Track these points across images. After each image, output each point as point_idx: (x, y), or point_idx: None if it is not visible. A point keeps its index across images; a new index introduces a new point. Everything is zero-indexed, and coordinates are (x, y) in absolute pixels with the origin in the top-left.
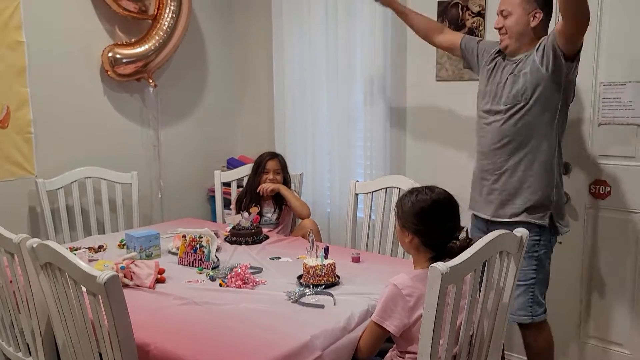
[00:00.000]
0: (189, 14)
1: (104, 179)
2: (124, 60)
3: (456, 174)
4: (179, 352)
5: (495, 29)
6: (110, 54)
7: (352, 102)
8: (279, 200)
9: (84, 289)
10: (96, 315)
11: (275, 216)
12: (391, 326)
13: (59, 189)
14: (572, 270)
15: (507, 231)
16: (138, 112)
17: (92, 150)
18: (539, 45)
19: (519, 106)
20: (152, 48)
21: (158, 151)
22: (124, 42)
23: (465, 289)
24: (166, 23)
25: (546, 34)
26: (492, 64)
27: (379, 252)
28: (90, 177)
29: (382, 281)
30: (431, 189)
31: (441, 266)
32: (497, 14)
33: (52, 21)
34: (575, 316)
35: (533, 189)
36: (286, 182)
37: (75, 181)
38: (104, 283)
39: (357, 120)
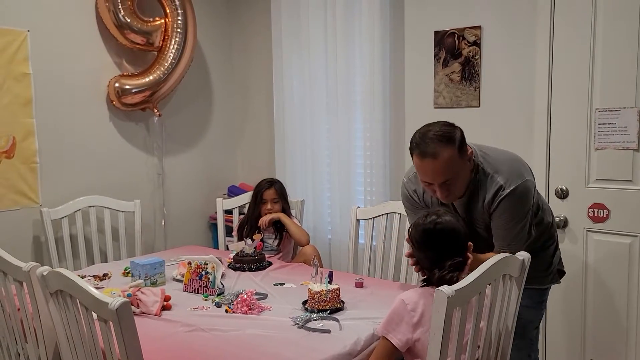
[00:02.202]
0: (194, 45)
1: (108, 208)
2: (134, 90)
3: None
4: None
5: (444, 202)
6: (117, 85)
7: (352, 129)
8: (279, 227)
9: (94, 315)
10: (107, 342)
11: (276, 243)
12: (395, 339)
13: (63, 217)
14: (572, 294)
15: (510, 254)
16: (142, 141)
17: (96, 179)
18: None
19: None
20: (160, 77)
21: (162, 179)
22: (130, 73)
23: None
24: (171, 54)
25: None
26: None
27: (381, 277)
28: (93, 206)
29: (387, 306)
30: (441, 214)
31: (447, 290)
32: (436, 186)
33: (59, 54)
34: (577, 340)
35: None
36: (285, 209)
37: (79, 210)
38: (116, 309)
39: (356, 147)
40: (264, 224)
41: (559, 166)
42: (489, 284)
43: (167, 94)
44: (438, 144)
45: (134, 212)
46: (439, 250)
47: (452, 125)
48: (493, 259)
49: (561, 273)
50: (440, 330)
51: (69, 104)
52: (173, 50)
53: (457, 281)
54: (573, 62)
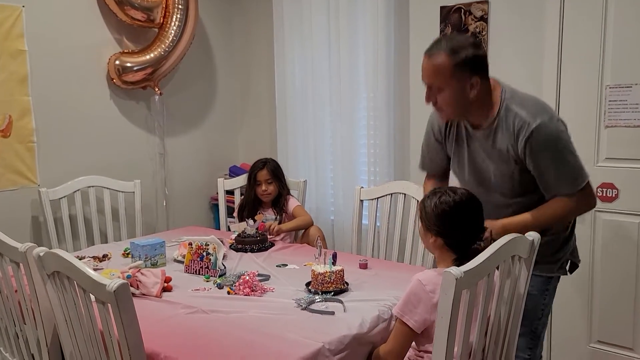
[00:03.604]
0: (195, 23)
1: (107, 188)
2: (135, 68)
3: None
4: None
5: (427, 103)
6: (117, 62)
7: (355, 107)
8: (278, 205)
9: (92, 297)
10: (105, 324)
11: (277, 223)
12: (411, 321)
13: (61, 198)
14: (579, 274)
15: (520, 235)
16: (143, 120)
17: (96, 158)
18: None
19: None
20: (161, 55)
21: (164, 159)
22: (130, 50)
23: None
24: (172, 31)
25: (491, 90)
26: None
27: (385, 259)
28: (93, 186)
29: (391, 287)
30: (453, 190)
31: (455, 271)
32: (425, 85)
33: (56, 30)
34: (583, 320)
35: None
36: (281, 187)
37: (78, 190)
38: (114, 291)
39: (359, 126)
40: (274, 234)
41: None
42: (497, 266)
43: (169, 72)
44: (440, 47)
45: (134, 192)
46: (474, 221)
47: (472, 44)
48: (505, 238)
49: (574, 265)
50: (448, 313)
51: (67, 82)
52: (174, 27)
53: None
54: (583, 37)
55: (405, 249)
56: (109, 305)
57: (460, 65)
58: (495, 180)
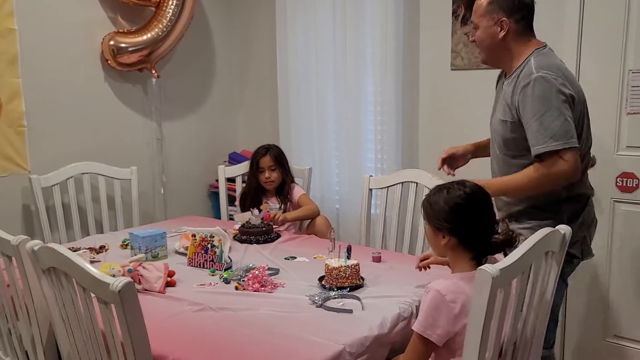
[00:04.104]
0: (194, 2)
1: (102, 175)
2: (130, 49)
3: (473, 170)
4: None
5: (470, 41)
6: (111, 42)
7: (362, 92)
8: (282, 194)
9: (93, 296)
10: (108, 325)
11: (281, 212)
12: (433, 335)
13: (54, 185)
14: (597, 265)
15: (552, 229)
16: (139, 104)
17: (89, 144)
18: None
19: None
20: (158, 35)
21: (161, 145)
22: (126, 30)
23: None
24: (170, 11)
25: (526, 43)
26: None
27: (395, 250)
28: (87, 173)
29: (409, 282)
30: (461, 183)
31: (491, 269)
32: None
33: (47, 7)
34: (599, 314)
35: None
36: (285, 174)
37: (72, 177)
38: (119, 291)
39: (367, 112)
40: (279, 223)
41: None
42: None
43: (166, 54)
44: None
45: (130, 179)
46: (490, 212)
47: None
48: (539, 233)
49: (572, 257)
50: (482, 314)
51: (59, 63)
52: (172, 7)
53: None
54: (605, 18)
55: (417, 240)
56: (113, 305)
57: (494, 3)
58: (497, 136)
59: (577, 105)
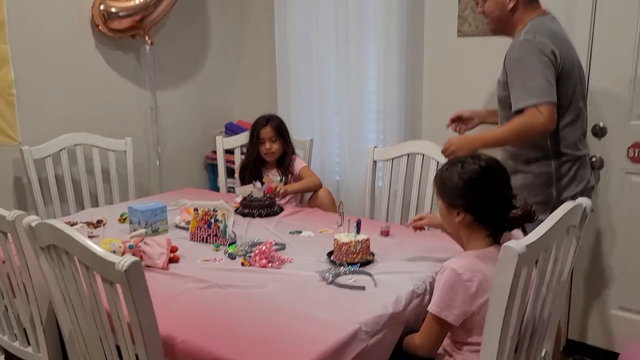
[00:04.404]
0: None
1: (96, 146)
2: (121, 14)
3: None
4: (212, 349)
5: (479, 12)
6: (102, 7)
7: (364, 60)
8: (283, 166)
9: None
10: (113, 305)
11: (282, 184)
12: (450, 316)
13: (46, 157)
14: (606, 237)
15: (574, 202)
16: (133, 72)
17: (82, 114)
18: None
19: None
20: (150, 0)
21: (156, 115)
22: None
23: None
24: None
25: (531, 12)
26: None
27: (400, 224)
28: (80, 144)
29: (421, 257)
30: (475, 157)
31: (517, 246)
32: None
33: None
34: (606, 286)
35: None
36: (286, 146)
37: (64, 148)
38: (125, 271)
39: (368, 80)
40: (279, 195)
41: (599, 101)
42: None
43: (159, 20)
44: None
45: (125, 151)
46: (507, 186)
47: None
48: (562, 208)
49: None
50: (506, 293)
51: (48, 28)
52: None
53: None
54: None
55: (423, 212)
56: (119, 286)
57: None
58: (497, 98)
59: (567, 69)
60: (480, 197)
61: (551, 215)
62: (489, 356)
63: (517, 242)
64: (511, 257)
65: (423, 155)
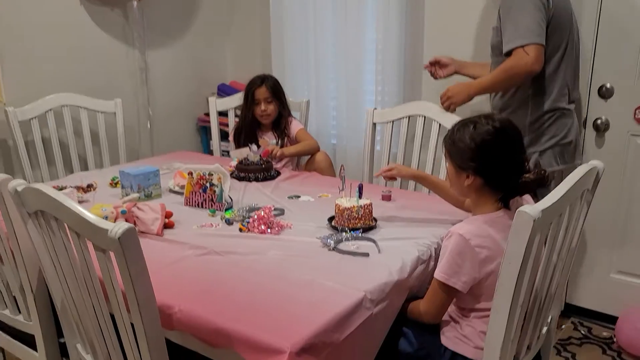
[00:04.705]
0: None
1: (84, 108)
2: None
3: (482, 104)
4: (212, 318)
5: None
6: None
7: (362, 17)
8: (279, 128)
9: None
10: (107, 274)
11: (278, 147)
12: (459, 283)
13: (32, 118)
14: (608, 200)
15: (589, 165)
16: (120, 30)
17: (68, 74)
18: None
19: None
20: None
21: (145, 75)
22: None
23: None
24: None
25: None
26: None
27: (400, 188)
28: (67, 105)
29: (424, 222)
30: (489, 117)
31: (532, 210)
32: None
33: None
34: (607, 249)
35: None
36: (282, 107)
37: (51, 110)
38: (119, 238)
39: (366, 39)
40: (275, 157)
41: (606, 60)
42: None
43: None
44: None
45: (114, 112)
46: (521, 149)
47: None
48: (578, 171)
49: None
50: (519, 259)
51: None
52: None
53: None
54: None
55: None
56: (112, 254)
57: None
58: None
59: (558, 20)
60: (492, 160)
61: (567, 178)
62: (499, 324)
63: (532, 206)
64: (526, 223)
65: (425, 117)
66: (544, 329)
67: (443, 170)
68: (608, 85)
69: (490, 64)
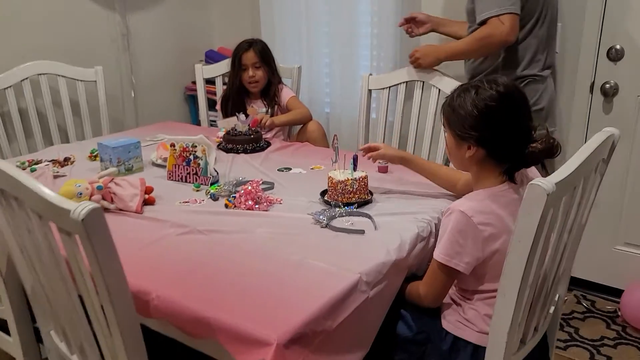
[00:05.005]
0: None
1: (62, 76)
2: None
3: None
4: (192, 306)
5: None
6: None
7: None
8: (269, 96)
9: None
10: (74, 259)
11: (268, 116)
12: (461, 264)
13: (7, 88)
14: (616, 169)
15: (607, 132)
16: None
17: (44, 40)
18: None
19: None
20: None
21: (127, 41)
22: None
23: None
24: None
25: None
26: None
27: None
28: (44, 74)
29: (423, 195)
30: (492, 80)
31: (545, 184)
32: None
33: None
34: (611, 221)
35: None
36: (271, 73)
37: (27, 79)
38: (82, 220)
39: (361, 0)
40: (264, 126)
41: (616, 20)
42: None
43: None
44: None
45: (95, 81)
46: (527, 116)
47: None
48: (595, 139)
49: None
50: (530, 237)
51: None
52: None
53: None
54: None
55: (422, 147)
56: (77, 236)
57: None
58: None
59: None
60: (496, 129)
61: (582, 148)
62: (506, 307)
63: (545, 180)
64: (539, 198)
65: (423, 83)
66: (551, 309)
67: (443, 141)
68: (618, 47)
69: (468, 28)
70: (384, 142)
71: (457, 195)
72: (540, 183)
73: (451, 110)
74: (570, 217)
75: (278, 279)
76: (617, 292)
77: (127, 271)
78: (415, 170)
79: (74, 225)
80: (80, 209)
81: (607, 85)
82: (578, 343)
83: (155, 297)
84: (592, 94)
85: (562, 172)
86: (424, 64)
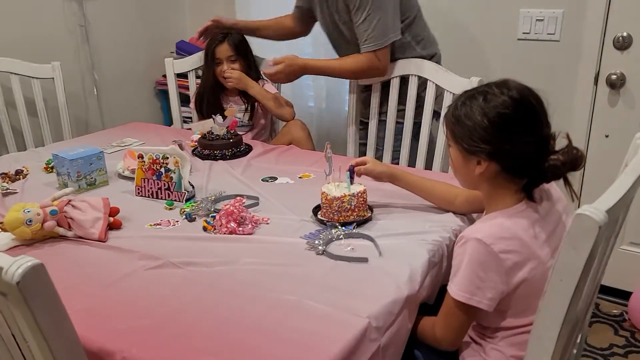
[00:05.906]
0: None
1: (15, 73)
2: None
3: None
4: None
5: None
6: None
7: None
8: (248, 94)
9: None
10: (15, 324)
11: (246, 116)
12: (484, 301)
13: None
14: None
15: None
16: None
17: None
18: None
19: None
20: None
21: (86, 32)
22: None
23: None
24: None
25: None
26: None
27: (391, 162)
28: None
29: (430, 209)
30: (502, 84)
31: (596, 213)
32: None
33: None
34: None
35: None
36: (249, 68)
37: None
38: (18, 283)
39: None
40: (231, 84)
41: (623, 5)
42: None
43: None
44: None
45: (53, 78)
46: (546, 123)
47: None
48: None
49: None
50: (577, 275)
51: None
52: None
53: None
54: None
55: (418, 145)
56: (11, 299)
57: None
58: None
59: None
60: (511, 140)
61: (631, 165)
62: (543, 352)
63: (593, 208)
64: (589, 231)
65: (418, 77)
66: (579, 337)
67: (440, 143)
68: (625, 35)
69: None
70: (376, 141)
71: (457, 212)
72: (589, 213)
73: (455, 120)
74: (609, 247)
75: (269, 330)
76: (623, 294)
77: (85, 322)
78: (406, 189)
79: (7, 288)
80: (15, 267)
81: (614, 76)
82: (587, 353)
83: (120, 358)
84: (596, 85)
85: (610, 196)
86: (283, 81)
